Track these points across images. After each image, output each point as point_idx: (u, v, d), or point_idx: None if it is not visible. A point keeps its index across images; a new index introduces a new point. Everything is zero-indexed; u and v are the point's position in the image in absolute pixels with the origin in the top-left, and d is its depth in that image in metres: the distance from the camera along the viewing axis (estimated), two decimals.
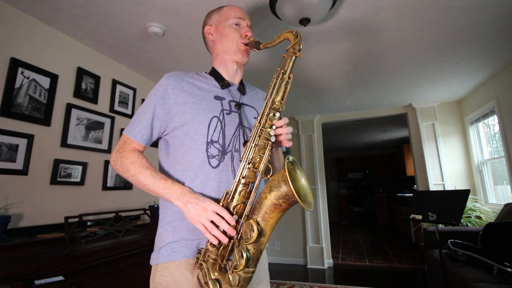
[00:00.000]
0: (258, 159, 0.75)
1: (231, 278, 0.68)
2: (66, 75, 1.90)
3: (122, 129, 2.29)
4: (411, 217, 2.05)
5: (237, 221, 0.72)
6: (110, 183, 2.15)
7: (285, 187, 0.66)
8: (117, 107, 2.28)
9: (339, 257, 4.25)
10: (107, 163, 2.13)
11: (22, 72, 1.63)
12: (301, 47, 0.80)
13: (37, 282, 1.09)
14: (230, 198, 0.73)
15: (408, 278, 3.23)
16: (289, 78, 0.80)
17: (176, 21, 1.80)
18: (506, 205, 2.38)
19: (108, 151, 2.16)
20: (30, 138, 1.64)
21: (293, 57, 0.79)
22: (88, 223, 1.82)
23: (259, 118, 0.78)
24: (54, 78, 1.80)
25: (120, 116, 2.31)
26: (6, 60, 1.57)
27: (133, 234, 1.72)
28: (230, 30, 0.89)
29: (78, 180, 1.91)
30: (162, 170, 0.85)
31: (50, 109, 1.77)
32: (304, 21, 1.61)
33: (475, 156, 3.34)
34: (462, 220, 2.77)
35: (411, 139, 3.76)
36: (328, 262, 3.81)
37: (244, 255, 0.66)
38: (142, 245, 1.62)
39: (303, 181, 0.74)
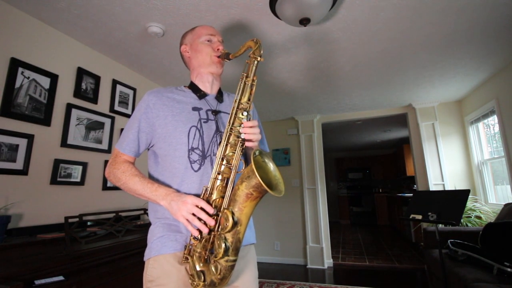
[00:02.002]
0: (231, 156, 0.82)
1: (213, 268, 0.73)
2: (66, 75, 1.90)
3: (122, 129, 2.30)
4: (411, 217, 2.05)
5: (217, 214, 0.77)
6: (110, 183, 2.15)
7: (253, 177, 0.72)
8: (117, 107, 2.28)
9: (339, 257, 4.25)
10: (107, 163, 2.13)
11: (22, 72, 1.63)
12: (261, 52, 0.87)
13: (37, 282, 1.09)
14: (209, 194, 0.80)
15: (408, 278, 3.23)
16: (253, 80, 0.87)
17: (176, 21, 1.80)
18: (506, 205, 2.39)
19: (108, 151, 2.16)
20: (30, 138, 1.64)
21: (255, 62, 0.87)
22: (88, 223, 1.82)
23: (229, 118, 0.85)
24: (54, 78, 1.80)
25: (120, 116, 2.31)
26: (6, 60, 1.57)
27: (133, 234, 1.72)
28: (203, 46, 0.98)
29: (78, 180, 1.91)
30: (152, 178, 0.92)
31: (50, 109, 1.77)
32: (304, 21, 1.61)
33: (475, 156, 3.34)
34: (462, 220, 2.77)
35: (411, 139, 3.76)
36: (328, 262, 3.81)
37: (223, 244, 0.71)
38: (142, 245, 1.62)
39: (273, 172, 0.81)
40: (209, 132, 0.91)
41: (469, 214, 2.95)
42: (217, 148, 0.90)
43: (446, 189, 3.39)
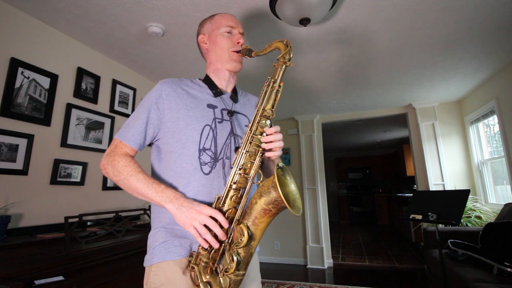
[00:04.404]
0: (249, 165, 0.76)
1: (222, 281, 0.70)
2: (66, 75, 1.90)
3: None
4: (411, 217, 2.05)
5: (228, 225, 0.73)
6: (110, 183, 2.15)
7: (274, 193, 0.68)
8: (117, 107, 2.28)
9: (339, 257, 4.24)
10: None
11: (22, 72, 1.63)
12: (291, 56, 0.81)
13: (37, 282, 1.09)
14: (221, 203, 0.75)
15: (408, 278, 3.23)
16: (279, 86, 0.81)
17: (176, 21, 1.80)
18: (506, 205, 2.38)
19: None
20: (30, 138, 1.64)
21: (283, 66, 0.81)
22: (88, 223, 1.82)
23: (250, 125, 0.79)
24: (54, 78, 1.80)
25: (120, 116, 2.31)
26: (6, 60, 1.57)
27: (133, 234, 1.72)
28: (222, 39, 0.90)
29: (78, 180, 1.91)
30: (155, 175, 0.85)
31: (50, 109, 1.77)
32: (304, 21, 1.61)
33: (475, 156, 3.34)
34: (462, 220, 2.77)
35: (411, 139, 3.76)
36: (328, 262, 3.81)
37: (235, 258, 0.68)
38: (142, 245, 1.62)
39: (292, 187, 0.76)
40: (223, 133, 0.84)
41: (469, 214, 2.94)
42: (230, 151, 0.84)
43: (446, 189, 3.39)
